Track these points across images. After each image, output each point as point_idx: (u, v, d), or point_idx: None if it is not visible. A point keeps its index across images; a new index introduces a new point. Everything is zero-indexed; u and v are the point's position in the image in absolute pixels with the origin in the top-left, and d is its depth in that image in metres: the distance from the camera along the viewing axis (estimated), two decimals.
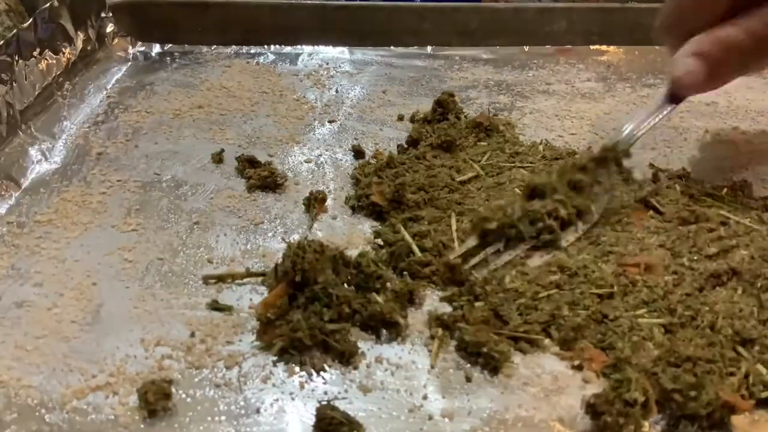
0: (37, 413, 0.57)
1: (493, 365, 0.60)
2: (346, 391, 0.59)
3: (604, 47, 1.27)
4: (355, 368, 0.61)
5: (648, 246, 0.71)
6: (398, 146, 0.92)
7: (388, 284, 0.66)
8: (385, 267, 0.68)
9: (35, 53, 1.01)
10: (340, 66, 1.20)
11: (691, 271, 0.68)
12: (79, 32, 1.13)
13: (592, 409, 0.55)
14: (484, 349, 0.60)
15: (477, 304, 0.65)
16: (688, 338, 0.61)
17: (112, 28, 1.23)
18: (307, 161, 0.92)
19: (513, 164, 0.86)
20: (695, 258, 0.70)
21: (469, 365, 0.61)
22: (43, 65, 1.02)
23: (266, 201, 0.83)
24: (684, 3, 0.74)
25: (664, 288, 0.66)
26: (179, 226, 0.79)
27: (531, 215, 0.70)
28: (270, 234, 0.78)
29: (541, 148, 0.91)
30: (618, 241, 0.72)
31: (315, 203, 0.80)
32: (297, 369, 0.61)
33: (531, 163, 0.87)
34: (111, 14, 1.23)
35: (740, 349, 0.60)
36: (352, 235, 0.77)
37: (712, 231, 0.73)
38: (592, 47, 1.26)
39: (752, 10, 0.71)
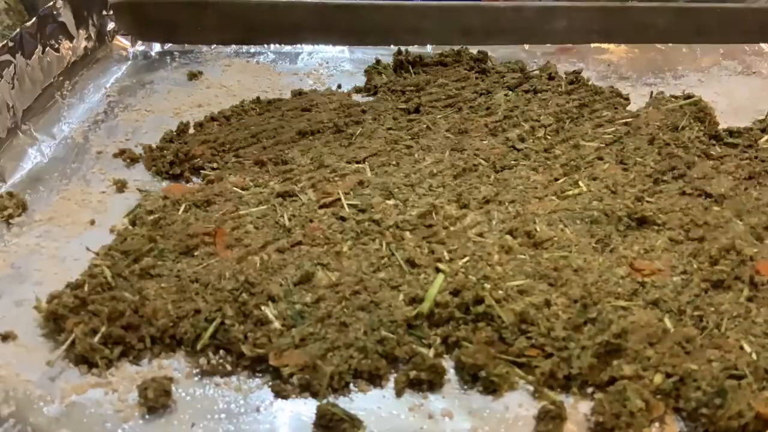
0: (35, 406, 0.57)
1: (492, 388, 0.60)
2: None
3: (604, 46, 1.27)
4: None
5: (656, 248, 0.71)
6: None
7: None
8: None
9: (36, 52, 1.00)
10: (340, 65, 1.20)
11: (699, 273, 0.68)
12: (80, 30, 1.13)
13: (601, 426, 0.55)
14: (483, 373, 0.59)
15: (480, 324, 0.63)
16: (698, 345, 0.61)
17: (113, 26, 1.23)
18: None
19: (517, 162, 0.86)
20: (703, 261, 0.70)
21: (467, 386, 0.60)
22: (44, 64, 1.02)
23: None
24: None
25: (673, 290, 0.66)
26: None
27: None
28: None
29: (543, 141, 0.91)
30: (628, 244, 0.72)
31: None
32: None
33: (535, 160, 0.87)
34: (112, 12, 1.23)
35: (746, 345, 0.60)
36: None
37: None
38: (592, 46, 1.26)
39: None
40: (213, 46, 1.25)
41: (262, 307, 0.63)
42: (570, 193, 0.80)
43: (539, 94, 1.03)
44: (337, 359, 0.60)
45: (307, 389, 0.59)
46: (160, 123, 1.00)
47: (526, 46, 1.26)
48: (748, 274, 0.67)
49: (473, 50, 1.14)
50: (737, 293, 0.66)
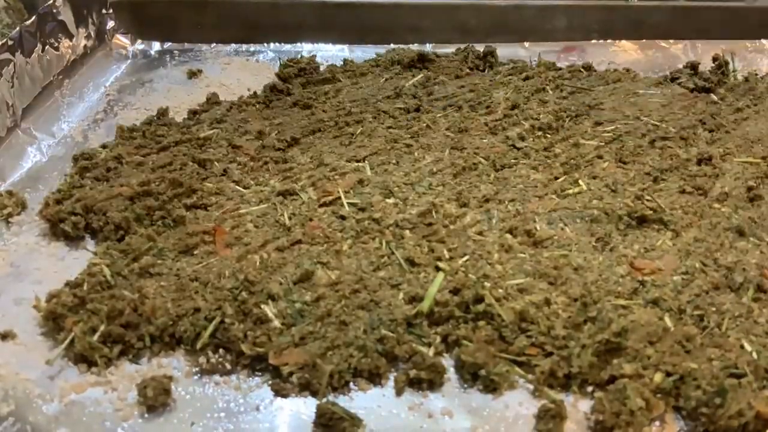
0: (34, 405, 0.57)
1: (492, 387, 0.59)
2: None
3: (605, 43, 1.26)
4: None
5: (657, 247, 0.71)
6: None
7: None
8: None
9: (36, 50, 1.00)
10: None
11: (702, 274, 0.68)
12: (80, 29, 1.13)
13: (601, 425, 0.55)
14: (483, 372, 0.59)
15: (480, 323, 0.63)
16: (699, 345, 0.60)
17: (112, 25, 1.23)
18: None
19: (517, 161, 0.86)
20: (705, 261, 0.69)
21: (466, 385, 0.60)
22: (43, 62, 1.02)
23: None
24: None
25: (673, 289, 0.66)
26: None
27: None
28: None
29: (543, 140, 0.91)
30: (629, 243, 0.72)
31: None
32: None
33: (535, 159, 0.87)
34: (111, 11, 1.23)
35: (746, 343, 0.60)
36: None
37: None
38: (593, 43, 1.26)
39: None
40: (212, 45, 1.25)
41: (262, 306, 0.63)
42: (570, 191, 0.80)
43: (539, 93, 1.02)
44: (336, 358, 0.60)
45: (306, 388, 0.59)
46: None
47: (527, 45, 1.26)
48: (755, 277, 0.67)
49: (479, 48, 1.14)
50: (741, 294, 0.66)
